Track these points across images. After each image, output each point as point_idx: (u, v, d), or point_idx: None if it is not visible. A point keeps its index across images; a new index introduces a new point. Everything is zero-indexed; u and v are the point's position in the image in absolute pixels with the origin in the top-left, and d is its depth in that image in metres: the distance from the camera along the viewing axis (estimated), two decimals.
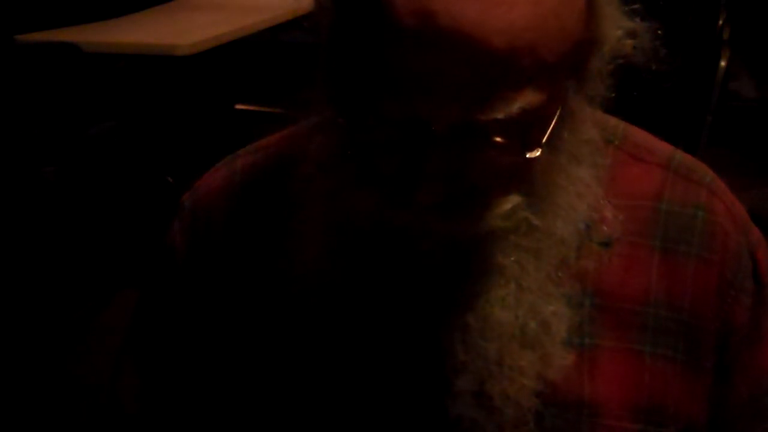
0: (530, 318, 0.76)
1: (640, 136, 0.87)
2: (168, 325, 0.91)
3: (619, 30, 0.74)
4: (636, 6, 0.76)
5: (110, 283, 3.16)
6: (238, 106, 4.48)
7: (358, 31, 0.68)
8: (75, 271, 3.26)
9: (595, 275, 0.80)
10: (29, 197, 3.39)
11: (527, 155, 0.69)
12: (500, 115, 0.66)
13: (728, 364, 0.83)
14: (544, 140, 0.70)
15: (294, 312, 0.80)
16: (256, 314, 0.84)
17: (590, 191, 0.78)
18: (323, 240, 0.77)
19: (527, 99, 0.67)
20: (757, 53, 4.92)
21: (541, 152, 0.70)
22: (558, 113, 0.71)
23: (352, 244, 0.76)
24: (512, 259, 0.75)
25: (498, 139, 0.67)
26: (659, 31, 0.77)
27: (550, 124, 0.70)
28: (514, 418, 0.76)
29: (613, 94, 0.79)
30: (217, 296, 0.87)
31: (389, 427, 0.79)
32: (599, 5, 0.72)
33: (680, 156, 0.86)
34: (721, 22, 3.14)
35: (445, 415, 0.76)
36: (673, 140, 0.89)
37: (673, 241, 0.82)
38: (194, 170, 0.96)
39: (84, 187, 3.56)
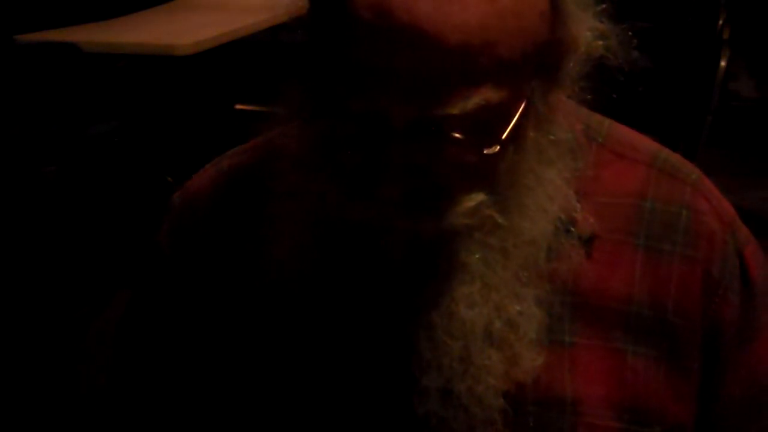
0: (496, 317, 0.76)
1: (624, 133, 0.87)
2: (156, 323, 0.92)
3: (589, 32, 0.75)
4: (606, 7, 0.76)
5: (110, 284, 3.16)
6: (238, 106, 4.47)
7: (324, 26, 0.70)
8: (75, 271, 3.26)
9: (574, 275, 0.80)
10: (29, 197, 3.39)
11: (485, 152, 0.70)
12: (456, 111, 0.67)
13: (718, 363, 0.83)
14: (503, 137, 0.70)
15: (268, 306, 0.81)
16: (236, 309, 0.85)
17: (561, 193, 0.78)
18: (297, 234, 0.78)
19: (484, 96, 0.68)
20: (757, 53, 4.92)
21: (505, 150, 0.71)
22: (520, 111, 0.72)
23: (322, 238, 0.77)
24: (477, 257, 0.75)
25: (456, 135, 0.68)
26: (632, 33, 0.77)
27: (512, 121, 0.71)
28: (481, 417, 0.76)
29: (606, 95, 0.79)
30: (201, 293, 0.88)
31: (357, 422, 0.79)
32: (565, 6, 0.73)
33: (665, 154, 0.86)
34: (721, 22, 3.14)
35: (412, 413, 0.76)
36: (673, 140, 0.89)
37: (657, 239, 0.82)
38: (194, 170, 0.96)
39: (84, 187, 3.56)
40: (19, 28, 3.44)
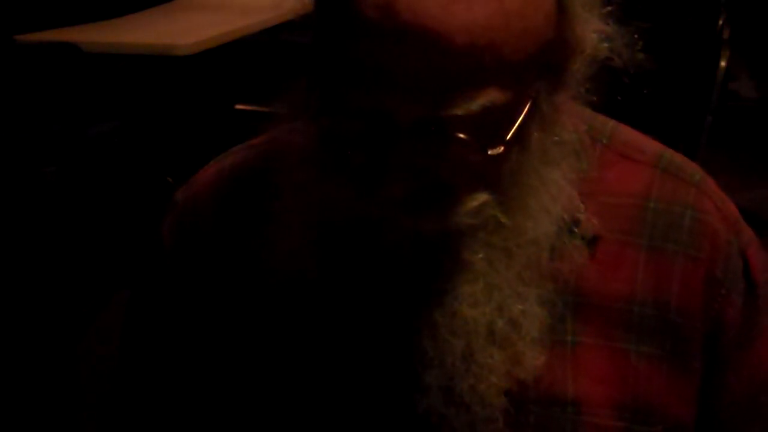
0: (498, 316, 0.76)
1: (628, 134, 0.87)
2: (158, 321, 0.92)
3: (594, 33, 0.75)
4: (612, 9, 0.77)
5: (109, 284, 3.16)
6: (238, 106, 4.47)
7: (330, 24, 0.71)
8: (74, 271, 3.26)
9: (577, 274, 0.80)
10: (29, 197, 3.39)
11: (489, 152, 0.70)
12: (460, 112, 0.67)
13: (720, 363, 0.83)
14: (507, 138, 0.71)
15: (270, 303, 0.81)
16: (239, 306, 0.85)
17: (565, 193, 0.78)
18: (301, 231, 0.78)
19: (489, 97, 0.68)
20: (757, 53, 4.92)
21: (509, 151, 0.71)
22: (525, 112, 0.72)
23: (327, 235, 0.77)
24: (480, 256, 0.76)
25: (460, 135, 0.68)
26: (637, 35, 0.78)
27: (516, 122, 0.71)
28: (483, 415, 0.76)
29: (610, 96, 0.79)
30: (204, 290, 0.88)
31: (359, 418, 0.80)
32: (570, 8, 0.73)
33: (669, 155, 0.86)
34: (721, 22, 3.14)
35: (413, 410, 0.77)
36: (673, 140, 0.89)
37: (661, 239, 0.82)
38: (194, 170, 0.96)
39: (84, 187, 3.55)
40: (19, 28, 3.44)
